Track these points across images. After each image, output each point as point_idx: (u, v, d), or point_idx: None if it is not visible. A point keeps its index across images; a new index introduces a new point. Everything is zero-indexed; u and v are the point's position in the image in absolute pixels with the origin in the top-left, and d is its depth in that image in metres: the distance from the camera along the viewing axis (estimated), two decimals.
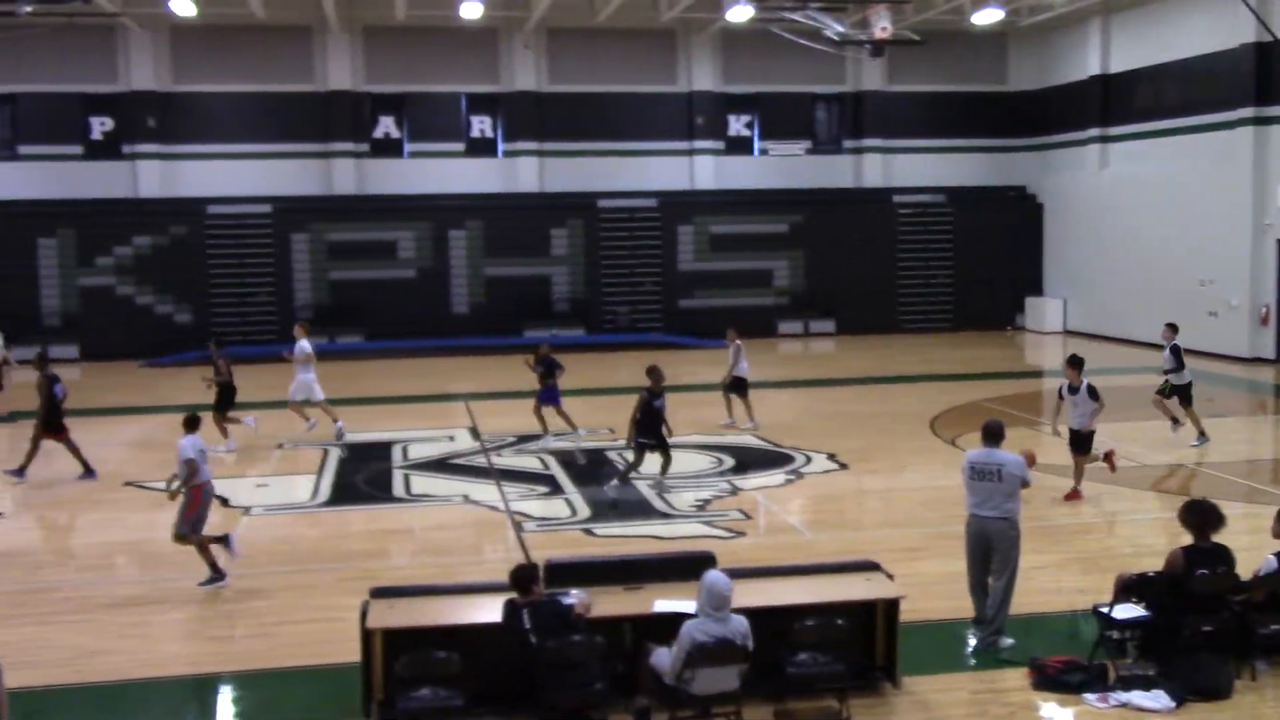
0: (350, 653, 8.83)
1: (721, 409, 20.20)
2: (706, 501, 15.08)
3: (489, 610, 8.44)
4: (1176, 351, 17.90)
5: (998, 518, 9.67)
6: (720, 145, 35.29)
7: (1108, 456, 15.13)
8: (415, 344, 31.25)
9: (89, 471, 16.78)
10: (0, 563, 12.95)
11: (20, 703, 8.45)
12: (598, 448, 18.35)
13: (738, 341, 19.74)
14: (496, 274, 33.40)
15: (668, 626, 8.14)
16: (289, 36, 32.78)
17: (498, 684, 8.47)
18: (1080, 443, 14.76)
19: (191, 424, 12.11)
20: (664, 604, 8.66)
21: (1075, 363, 14.67)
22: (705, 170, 35.07)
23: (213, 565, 11.74)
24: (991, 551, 9.77)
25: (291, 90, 33.10)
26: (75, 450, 16.84)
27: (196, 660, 9.94)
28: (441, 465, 17.61)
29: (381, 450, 18.62)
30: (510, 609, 8.27)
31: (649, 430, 15.46)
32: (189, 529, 11.73)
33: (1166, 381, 18.06)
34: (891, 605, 9.08)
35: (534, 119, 34.15)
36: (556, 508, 14.95)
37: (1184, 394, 17.95)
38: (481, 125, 34.35)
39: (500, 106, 34.27)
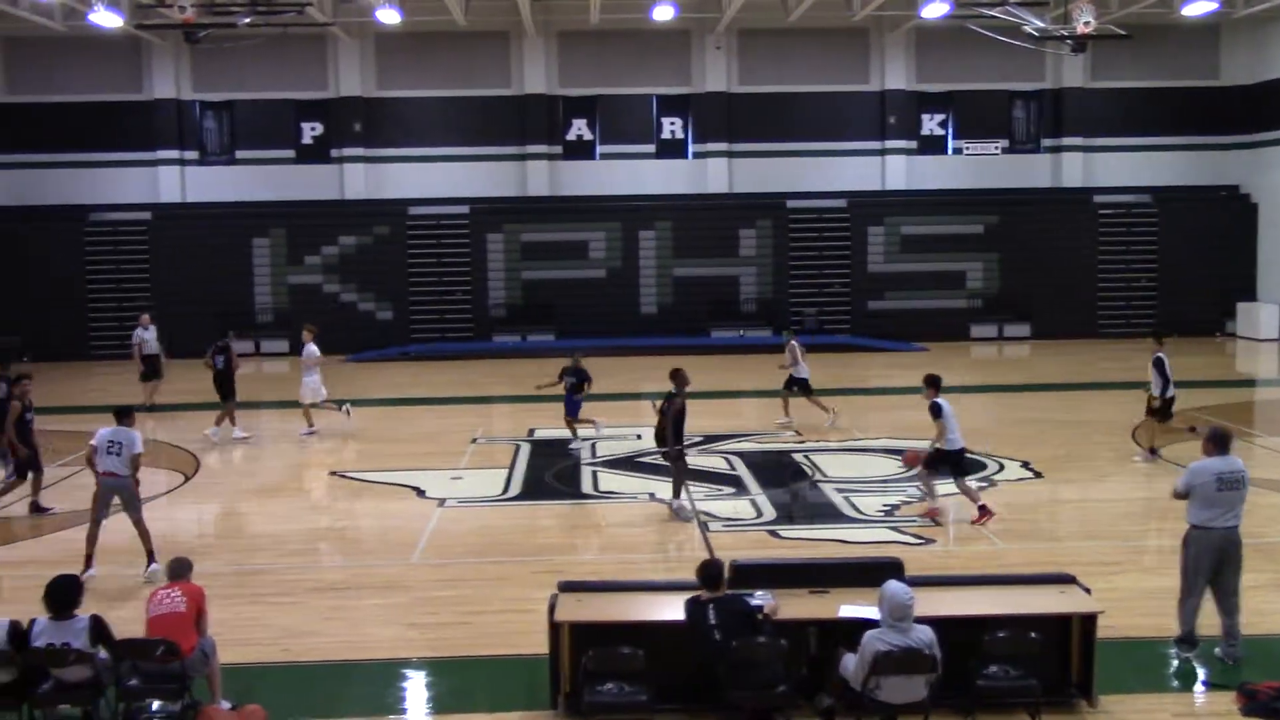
0: (540, 644, 9.03)
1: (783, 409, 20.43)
2: (895, 507, 14.87)
3: (673, 608, 8.52)
4: (1160, 365, 16.94)
5: (1238, 527, 9.43)
6: (913, 144, 34.70)
7: (982, 511, 13.75)
8: (604, 343, 31.64)
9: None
10: (218, 546, 13.79)
11: (232, 678, 8.98)
12: (785, 449, 18.27)
13: (794, 342, 20.23)
14: (685, 274, 33.64)
15: (855, 631, 8.08)
16: (486, 42, 33.72)
17: (681, 682, 8.55)
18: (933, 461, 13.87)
19: (118, 415, 12.36)
20: (849, 609, 8.59)
21: (932, 382, 13.68)
22: (897, 170, 34.53)
23: (89, 557, 12.02)
24: (1225, 565, 9.45)
25: (488, 94, 34.07)
26: None
27: (395, 644, 10.32)
28: (629, 463, 17.85)
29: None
30: (695, 605, 8.33)
31: (679, 436, 14.43)
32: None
33: (1153, 398, 17.11)
34: (1088, 620, 8.79)
35: (724, 120, 34.26)
36: (742, 508, 14.97)
37: (1165, 411, 17.11)
38: (672, 126, 34.62)
39: (690, 107, 34.47)
